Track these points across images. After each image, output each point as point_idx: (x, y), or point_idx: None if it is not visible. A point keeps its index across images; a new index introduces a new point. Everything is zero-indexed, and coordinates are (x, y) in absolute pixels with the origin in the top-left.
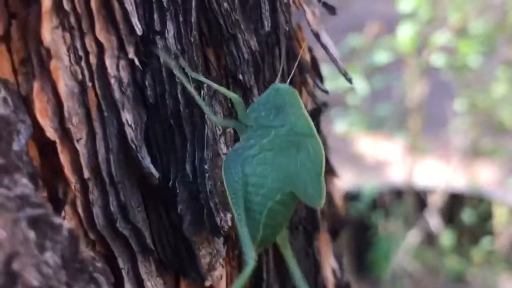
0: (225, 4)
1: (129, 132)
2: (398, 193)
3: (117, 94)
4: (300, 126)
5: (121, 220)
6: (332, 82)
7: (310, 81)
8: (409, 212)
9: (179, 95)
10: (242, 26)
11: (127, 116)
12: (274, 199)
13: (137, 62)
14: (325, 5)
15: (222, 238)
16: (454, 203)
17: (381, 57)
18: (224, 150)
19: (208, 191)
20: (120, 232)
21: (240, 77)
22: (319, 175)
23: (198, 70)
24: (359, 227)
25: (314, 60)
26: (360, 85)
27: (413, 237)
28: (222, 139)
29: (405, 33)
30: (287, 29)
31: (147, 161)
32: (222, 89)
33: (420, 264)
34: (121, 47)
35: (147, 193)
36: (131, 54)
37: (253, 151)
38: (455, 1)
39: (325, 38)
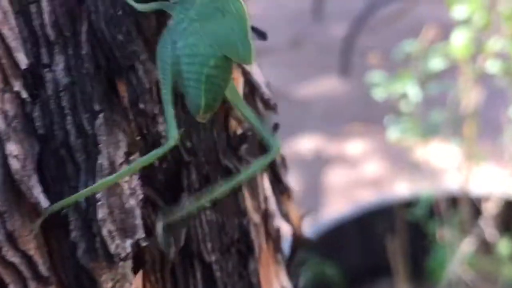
0: (120, 36)
1: (14, 163)
2: (453, 200)
3: (1, 126)
4: None
5: (9, 248)
6: (385, 89)
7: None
8: (465, 219)
9: (70, 126)
10: (142, 57)
11: (12, 148)
12: (208, 64)
13: (24, 95)
14: (255, 30)
15: (129, 262)
16: (511, 211)
17: (436, 63)
18: (127, 178)
19: (100, 219)
20: (9, 260)
21: (142, 106)
22: (246, 34)
23: (93, 101)
24: (416, 234)
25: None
26: (414, 91)
27: (469, 245)
28: (123, 166)
29: (460, 39)
30: None
31: (36, 191)
32: None
33: (476, 273)
34: (6, 81)
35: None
36: (17, 87)
37: (183, 25)
38: (510, 7)
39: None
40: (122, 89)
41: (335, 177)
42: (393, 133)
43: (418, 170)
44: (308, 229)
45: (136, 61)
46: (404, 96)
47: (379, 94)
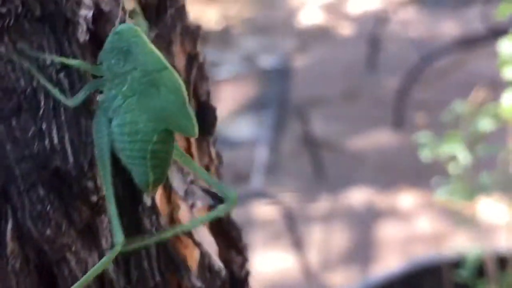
0: (48, 231)
1: None
2: (502, 261)
3: None
4: (151, 63)
5: None
6: (432, 150)
7: None
8: None
9: None
10: (74, 248)
11: None
12: (152, 140)
13: None
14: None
15: None
16: None
17: (485, 124)
18: None
19: None
20: None
21: None
22: (185, 104)
23: None
24: None
25: None
26: (463, 153)
27: None
28: None
29: (510, 101)
30: None
31: None
32: (62, 59)
33: None
34: None
35: None
36: None
37: (118, 102)
38: None
39: None
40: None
41: (386, 231)
42: (441, 195)
43: (468, 228)
44: (356, 285)
45: (67, 252)
46: (452, 158)
47: (426, 155)
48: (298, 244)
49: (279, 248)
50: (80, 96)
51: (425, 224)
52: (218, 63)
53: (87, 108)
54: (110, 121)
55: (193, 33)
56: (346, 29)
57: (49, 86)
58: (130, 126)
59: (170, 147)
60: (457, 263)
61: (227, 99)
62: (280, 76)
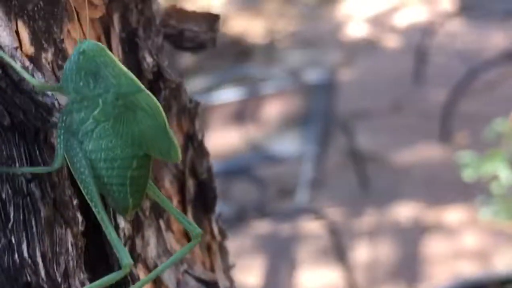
0: None
1: None
2: None
3: None
4: (125, 85)
5: None
6: (475, 170)
7: None
8: None
9: None
10: None
11: None
12: (131, 167)
13: None
14: None
15: None
16: None
17: None
18: None
19: None
20: None
21: None
22: (165, 127)
23: None
24: None
25: None
26: (505, 173)
27: None
28: None
29: None
30: None
31: None
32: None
33: None
34: None
35: None
36: None
37: (89, 125)
38: None
39: None
40: None
41: (432, 247)
42: (485, 214)
43: None
44: None
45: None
46: (495, 177)
47: (469, 174)
48: (343, 259)
49: (325, 264)
50: (47, 85)
51: (471, 240)
52: (263, 78)
53: (62, 216)
54: (81, 143)
55: (191, 112)
56: (392, 42)
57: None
58: (106, 153)
59: (148, 171)
60: (504, 282)
61: (272, 114)
62: (326, 90)
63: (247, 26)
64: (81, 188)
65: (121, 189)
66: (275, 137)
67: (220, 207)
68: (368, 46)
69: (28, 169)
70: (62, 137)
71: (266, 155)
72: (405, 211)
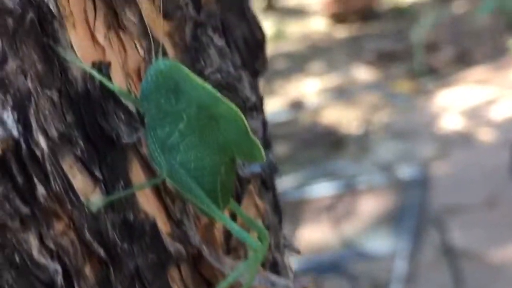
0: None
1: None
2: None
3: None
4: (205, 97)
5: None
6: None
7: None
8: None
9: None
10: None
11: None
12: (220, 173)
13: None
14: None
15: None
16: None
17: None
18: None
19: None
20: None
21: None
22: (247, 132)
23: None
24: None
25: None
26: None
27: None
28: None
29: None
30: None
31: None
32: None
33: None
34: None
35: None
36: None
37: (174, 139)
38: None
39: None
40: None
41: None
42: None
43: None
44: None
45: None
46: None
47: None
48: None
49: None
50: (129, 96)
51: None
52: (355, 174)
53: None
54: (167, 153)
55: None
56: (488, 135)
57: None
58: (195, 163)
59: (234, 174)
60: None
61: (364, 211)
62: (419, 185)
63: (340, 116)
64: (189, 197)
65: (212, 195)
66: (368, 233)
67: None
68: (463, 139)
69: (138, 187)
70: (156, 152)
71: (358, 251)
72: None
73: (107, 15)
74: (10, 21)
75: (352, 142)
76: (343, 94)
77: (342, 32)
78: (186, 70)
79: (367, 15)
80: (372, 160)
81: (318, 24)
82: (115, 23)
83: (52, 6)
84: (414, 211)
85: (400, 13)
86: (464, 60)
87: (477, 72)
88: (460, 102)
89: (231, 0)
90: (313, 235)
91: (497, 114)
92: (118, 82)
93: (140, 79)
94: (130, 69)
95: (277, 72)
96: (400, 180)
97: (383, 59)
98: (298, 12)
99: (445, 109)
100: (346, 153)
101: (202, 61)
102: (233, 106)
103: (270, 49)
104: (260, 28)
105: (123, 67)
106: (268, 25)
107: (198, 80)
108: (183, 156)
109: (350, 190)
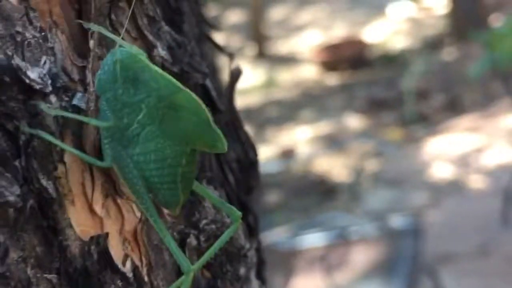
0: None
1: None
2: None
3: None
4: (165, 87)
5: None
6: None
7: None
8: None
9: None
10: None
11: None
12: (181, 164)
13: None
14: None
15: None
16: None
17: None
18: None
19: None
20: None
21: None
22: (209, 122)
23: None
24: None
25: None
26: None
27: None
28: None
29: None
30: None
31: None
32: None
33: None
34: None
35: None
36: None
37: (134, 130)
38: None
39: None
40: None
41: None
42: None
43: None
44: None
45: None
46: None
47: None
48: None
49: None
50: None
51: None
52: (347, 224)
53: None
54: (125, 147)
55: None
56: (479, 183)
57: None
58: (155, 154)
59: (195, 165)
60: None
61: (356, 261)
62: (411, 235)
63: (332, 165)
64: (132, 192)
65: (172, 186)
66: (361, 283)
67: None
68: (454, 187)
69: (82, 155)
70: (107, 145)
71: None
72: None
73: (104, 183)
74: (11, 212)
75: (344, 191)
76: (334, 142)
77: (333, 79)
78: (145, 59)
79: (357, 62)
80: (363, 209)
81: (309, 72)
82: (112, 190)
83: (51, 190)
84: (407, 260)
85: (390, 60)
86: (454, 107)
87: (468, 119)
88: (450, 150)
89: (227, 127)
90: (305, 286)
91: (488, 161)
92: (114, 246)
93: (136, 239)
94: (127, 233)
95: (269, 119)
96: (392, 230)
97: (374, 107)
98: (289, 60)
99: (436, 157)
100: (338, 202)
101: (197, 213)
102: (193, 95)
103: (262, 96)
104: (253, 149)
105: (120, 232)
106: (259, 72)
107: (157, 69)
108: (142, 147)
109: (342, 240)
